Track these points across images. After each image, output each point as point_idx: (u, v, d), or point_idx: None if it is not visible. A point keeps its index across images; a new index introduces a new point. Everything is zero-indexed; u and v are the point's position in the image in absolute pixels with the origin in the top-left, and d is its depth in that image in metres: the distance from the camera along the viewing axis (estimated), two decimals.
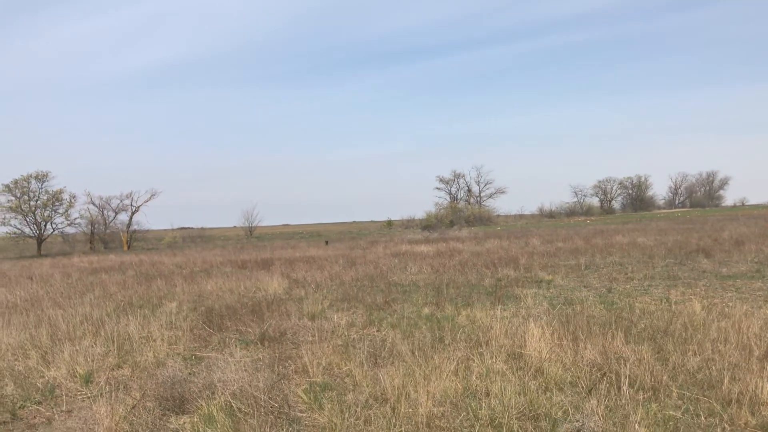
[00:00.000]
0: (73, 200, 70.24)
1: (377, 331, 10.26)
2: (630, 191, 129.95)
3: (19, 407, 7.04)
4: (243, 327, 10.91)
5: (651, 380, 6.49)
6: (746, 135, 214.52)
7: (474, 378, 7.01)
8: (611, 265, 18.75)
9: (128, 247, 69.77)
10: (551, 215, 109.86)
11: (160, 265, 28.66)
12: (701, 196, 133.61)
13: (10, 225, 66.50)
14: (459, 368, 7.25)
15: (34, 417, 6.78)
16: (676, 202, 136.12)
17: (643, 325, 9.27)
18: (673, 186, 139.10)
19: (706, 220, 51.30)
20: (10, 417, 6.74)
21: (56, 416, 6.64)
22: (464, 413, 5.89)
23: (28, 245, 67.76)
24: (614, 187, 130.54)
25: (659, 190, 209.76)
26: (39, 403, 7.20)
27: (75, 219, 71.40)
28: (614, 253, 22.62)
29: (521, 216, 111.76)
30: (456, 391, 6.58)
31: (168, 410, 6.50)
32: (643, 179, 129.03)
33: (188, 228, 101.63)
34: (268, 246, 46.39)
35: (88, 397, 7.19)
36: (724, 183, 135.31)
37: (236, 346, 9.37)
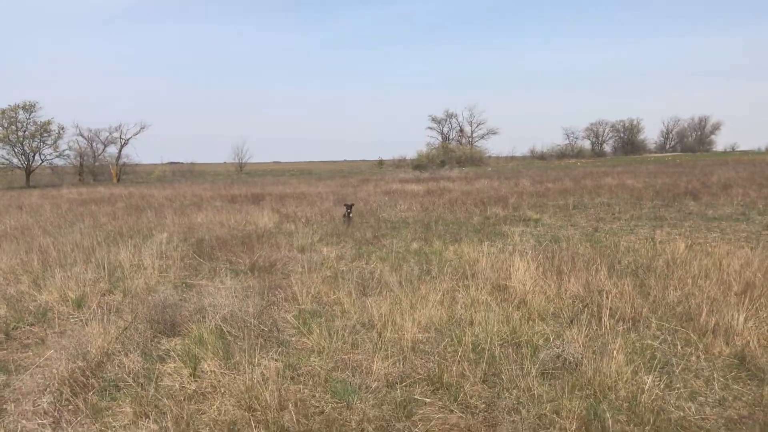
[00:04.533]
0: (61, 132, 69.52)
1: (366, 264, 10.39)
2: (621, 134, 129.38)
3: (13, 328, 7.16)
4: (233, 257, 11.02)
5: (631, 312, 6.66)
6: (740, 80, 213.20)
7: (459, 308, 7.17)
8: (599, 206, 18.91)
9: (118, 180, 69.40)
10: (542, 157, 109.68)
11: (150, 197, 28.61)
12: (692, 140, 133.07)
13: None
14: (444, 299, 7.40)
15: (27, 337, 6.91)
16: (667, 146, 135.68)
17: (626, 262, 9.45)
18: (665, 130, 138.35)
19: (695, 164, 51.44)
20: (4, 337, 6.86)
21: (49, 336, 6.76)
22: (448, 339, 6.05)
23: (17, 176, 67.25)
24: (606, 130, 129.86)
25: (651, 134, 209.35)
26: (32, 324, 7.33)
27: (64, 151, 70.82)
28: (603, 194, 22.76)
29: (512, 157, 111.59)
30: (441, 319, 6.74)
31: (159, 333, 6.63)
32: (635, 122, 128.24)
33: (178, 163, 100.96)
34: (258, 182, 46.31)
35: (81, 320, 7.31)
36: (715, 128, 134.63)
37: (227, 275, 9.49)
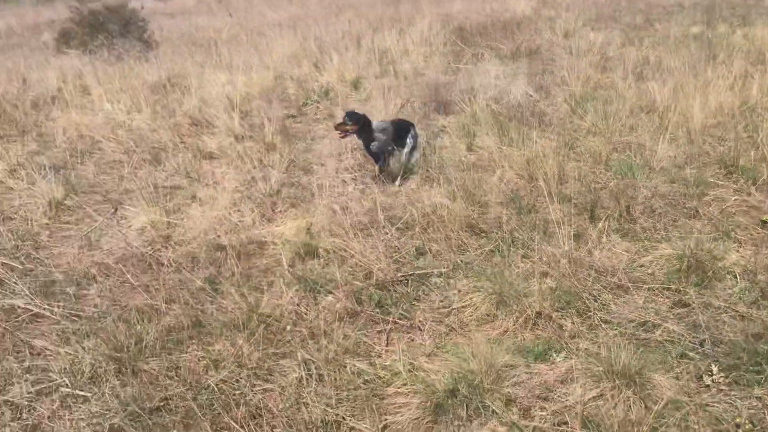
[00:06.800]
0: None
1: (637, 50, 9.57)
2: None
3: (303, 104, 7.92)
4: (494, 44, 10.80)
5: None
6: None
7: (754, 93, 6.39)
8: None
9: None
10: None
11: None
12: None
13: None
14: (735, 84, 6.61)
15: (315, 113, 7.62)
16: None
17: None
18: None
19: None
20: (297, 112, 7.66)
21: (336, 112, 7.37)
22: (743, 125, 5.49)
23: None
24: None
25: None
26: (317, 102, 8.03)
27: None
28: None
29: None
30: (732, 104, 6.09)
31: (433, 111, 6.90)
32: None
33: None
34: None
35: (359, 100, 7.83)
36: None
37: (490, 60, 9.38)
